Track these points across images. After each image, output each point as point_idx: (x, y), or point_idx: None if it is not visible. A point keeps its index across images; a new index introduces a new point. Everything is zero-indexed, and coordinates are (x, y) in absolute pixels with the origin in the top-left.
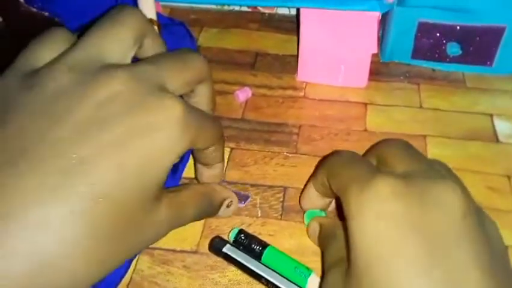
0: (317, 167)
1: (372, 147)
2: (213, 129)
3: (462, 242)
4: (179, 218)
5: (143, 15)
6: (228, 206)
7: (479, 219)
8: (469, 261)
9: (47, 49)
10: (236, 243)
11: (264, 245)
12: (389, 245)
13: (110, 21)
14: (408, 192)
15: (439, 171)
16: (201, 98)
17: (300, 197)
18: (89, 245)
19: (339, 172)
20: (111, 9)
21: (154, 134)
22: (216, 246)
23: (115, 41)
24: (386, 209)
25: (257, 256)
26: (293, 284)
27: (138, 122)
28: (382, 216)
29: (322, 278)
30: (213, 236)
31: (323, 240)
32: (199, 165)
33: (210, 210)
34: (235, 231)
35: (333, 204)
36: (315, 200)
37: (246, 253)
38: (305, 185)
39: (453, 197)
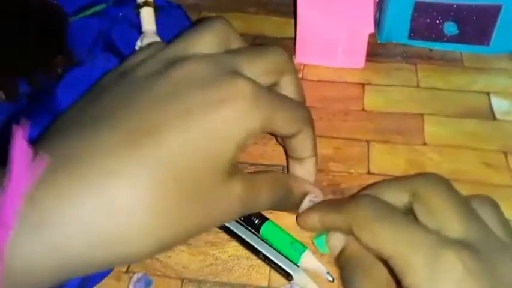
0: (329, 206)
1: (403, 178)
2: (295, 110)
3: None
4: (252, 200)
5: (228, 24)
6: (311, 202)
7: None
8: None
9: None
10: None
11: (263, 219)
12: None
13: (198, 28)
14: (481, 269)
15: (498, 238)
16: (286, 91)
17: (298, 217)
18: (155, 209)
19: (377, 231)
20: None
21: (222, 107)
22: None
23: (200, 43)
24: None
25: (256, 229)
26: (289, 261)
27: (209, 96)
28: None
29: None
30: None
31: (350, 265)
32: (290, 162)
33: (288, 201)
34: None
35: None
36: (317, 228)
37: (245, 227)
38: (306, 211)
39: None
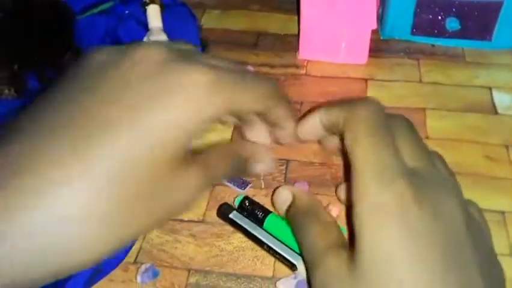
0: (334, 102)
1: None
2: (261, 88)
3: (466, 251)
4: (209, 181)
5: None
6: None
7: (475, 224)
8: (474, 269)
9: None
10: (240, 209)
11: (267, 212)
12: (407, 248)
13: None
14: (422, 198)
15: (442, 174)
16: (277, 120)
17: (298, 121)
18: (107, 215)
19: (360, 136)
20: None
21: (176, 96)
22: (224, 212)
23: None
24: (406, 214)
25: (259, 222)
26: (292, 251)
27: (162, 84)
28: (402, 219)
29: (304, 254)
30: (218, 206)
31: (299, 215)
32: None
33: (239, 168)
34: (240, 197)
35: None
36: (315, 129)
37: (250, 220)
38: (310, 112)
39: (457, 209)
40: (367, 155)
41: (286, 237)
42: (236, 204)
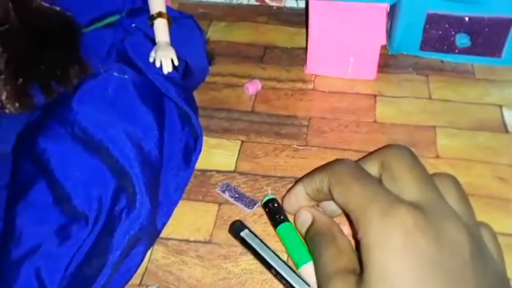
0: (313, 171)
1: (376, 151)
2: None
3: (470, 279)
4: None
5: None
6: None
7: (482, 250)
8: None
9: None
10: (265, 207)
11: (285, 219)
12: (412, 275)
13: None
14: (428, 227)
15: (447, 204)
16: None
17: (283, 198)
18: None
19: (348, 185)
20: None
21: None
22: (236, 229)
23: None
24: (410, 241)
25: (276, 223)
26: (300, 279)
27: None
28: (406, 247)
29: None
30: (226, 227)
31: (317, 237)
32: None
33: None
34: (270, 197)
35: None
36: (302, 201)
37: (260, 239)
38: (292, 187)
39: (462, 238)
40: (361, 195)
41: (292, 247)
42: (263, 201)
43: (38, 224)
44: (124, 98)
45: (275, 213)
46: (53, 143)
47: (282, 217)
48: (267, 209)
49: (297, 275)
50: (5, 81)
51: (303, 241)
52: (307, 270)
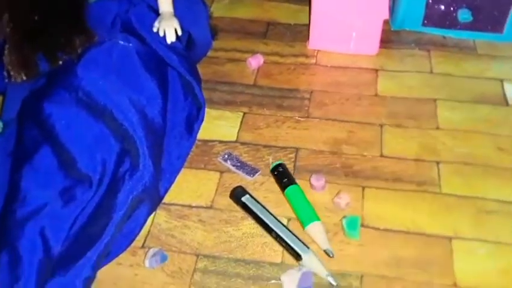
0: None
1: None
2: None
3: None
4: None
5: None
6: None
7: None
8: None
9: None
10: (274, 171)
11: (292, 181)
12: None
13: None
14: None
15: None
16: None
17: None
18: None
19: None
20: None
21: None
22: (237, 194)
23: None
24: None
25: (284, 186)
26: (300, 242)
27: None
28: None
29: None
30: (227, 193)
31: None
32: None
33: None
34: (278, 162)
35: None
36: None
37: (261, 205)
38: None
39: None
40: None
41: (300, 208)
42: (272, 166)
43: (43, 187)
44: (127, 66)
45: (283, 176)
46: (58, 108)
47: (289, 180)
48: (275, 173)
49: (297, 237)
50: (10, 50)
51: (310, 202)
52: (313, 228)
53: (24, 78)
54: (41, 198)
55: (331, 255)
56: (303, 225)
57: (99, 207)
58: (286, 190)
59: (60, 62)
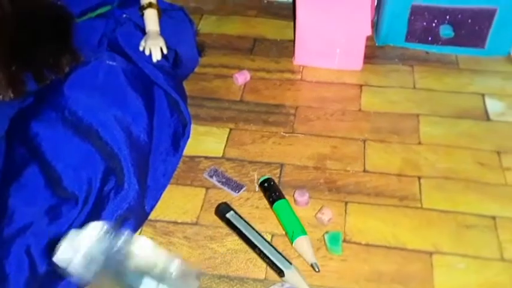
0: None
1: None
2: None
3: None
4: None
5: None
6: None
7: None
8: None
9: None
10: (262, 187)
11: (280, 196)
12: None
13: None
14: None
15: None
16: None
17: None
18: None
19: None
20: None
21: None
22: (222, 210)
23: None
24: None
25: (273, 201)
26: (283, 258)
27: None
28: None
29: None
30: (213, 209)
31: None
32: None
33: None
34: (266, 177)
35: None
36: None
37: (244, 222)
38: None
39: None
40: None
41: (288, 223)
42: (260, 180)
43: (30, 205)
44: (114, 85)
45: (271, 191)
46: (45, 127)
47: (278, 194)
48: (263, 188)
49: (280, 253)
50: None
51: (297, 217)
52: (301, 243)
53: (12, 96)
54: (28, 215)
55: (317, 270)
56: (291, 239)
57: (85, 225)
58: (274, 204)
59: (48, 81)
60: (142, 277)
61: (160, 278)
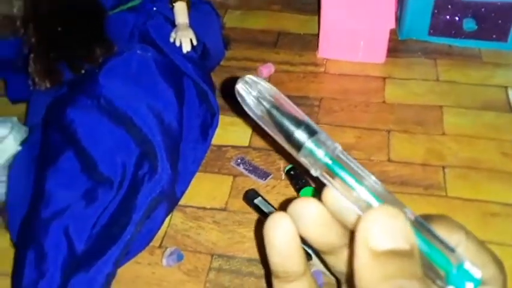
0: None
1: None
2: None
3: None
4: None
5: None
6: None
7: None
8: None
9: None
10: (288, 174)
11: (307, 183)
12: None
13: None
14: None
15: None
16: None
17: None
18: None
19: None
20: None
21: None
22: (250, 197)
23: None
24: None
25: (298, 189)
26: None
27: None
28: None
29: None
30: (240, 196)
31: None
32: None
33: None
34: (291, 165)
35: None
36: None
37: (272, 207)
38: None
39: None
40: None
41: None
42: (286, 169)
43: (67, 188)
44: (146, 75)
45: (298, 178)
46: (81, 114)
47: (304, 181)
48: (289, 175)
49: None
50: (35, 59)
51: None
52: None
53: (48, 85)
54: (65, 199)
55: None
56: None
57: (120, 207)
58: (301, 191)
59: (83, 71)
60: None
61: None
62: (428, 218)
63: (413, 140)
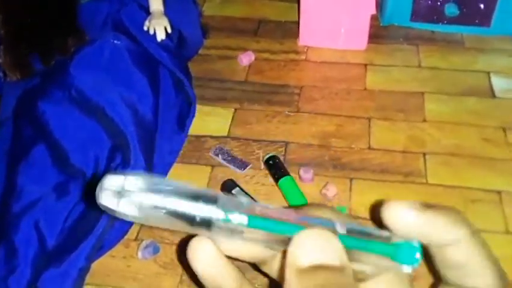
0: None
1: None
2: None
3: None
4: None
5: None
6: None
7: None
8: None
9: None
10: (267, 164)
11: (285, 173)
12: None
13: None
14: None
15: None
16: None
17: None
18: None
19: None
20: None
21: None
22: (227, 187)
23: None
24: None
25: (276, 178)
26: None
27: None
28: None
29: None
30: (219, 186)
31: None
32: None
33: None
34: (271, 154)
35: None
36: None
37: (250, 197)
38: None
39: None
40: None
41: (293, 199)
42: (265, 158)
43: (38, 182)
44: (119, 64)
45: (277, 168)
46: (52, 106)
47: (283, 171)
48: (268, 165)
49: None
50: (5, 51)
51: (302, 193)
52: None
53: (19, 76)
54: (36, 192)
55: None
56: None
57: (92, 201)
58: (279, 181)
59: (54, 62)
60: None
61: None
62: (433, 207)
63: (394, 128)
